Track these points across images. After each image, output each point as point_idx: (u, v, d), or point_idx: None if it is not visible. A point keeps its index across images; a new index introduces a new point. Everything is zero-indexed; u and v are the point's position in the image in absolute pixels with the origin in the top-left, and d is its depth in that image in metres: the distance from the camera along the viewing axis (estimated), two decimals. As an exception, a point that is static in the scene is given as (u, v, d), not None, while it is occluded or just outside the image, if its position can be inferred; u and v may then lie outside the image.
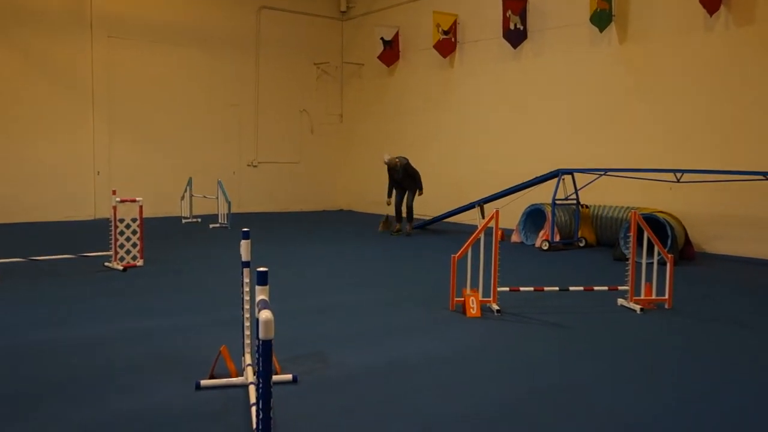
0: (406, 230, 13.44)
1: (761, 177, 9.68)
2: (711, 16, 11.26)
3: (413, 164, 13.37)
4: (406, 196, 13.36)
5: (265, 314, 2.53)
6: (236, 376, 4.47)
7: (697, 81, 11.59)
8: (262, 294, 2.90)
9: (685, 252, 10.58)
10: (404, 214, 13.42)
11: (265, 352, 2.55)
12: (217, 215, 14.55)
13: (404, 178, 13.22)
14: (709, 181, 10.62)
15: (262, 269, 2.96)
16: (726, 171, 10.27)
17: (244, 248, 4.32)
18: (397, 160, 13.15)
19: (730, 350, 5.54)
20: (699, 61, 11.56)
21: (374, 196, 18.48)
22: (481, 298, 6.69)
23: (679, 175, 10.60)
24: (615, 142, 12.76)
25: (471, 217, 13.50)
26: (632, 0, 12.48)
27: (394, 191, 13.44)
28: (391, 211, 13.91)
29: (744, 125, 11.03)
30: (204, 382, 4.39)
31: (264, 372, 2.57)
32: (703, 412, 4.13)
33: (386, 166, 13.27)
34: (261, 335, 2.52)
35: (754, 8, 10.88)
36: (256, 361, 3.35)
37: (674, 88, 11.89)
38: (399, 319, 6.47)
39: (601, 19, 12.54)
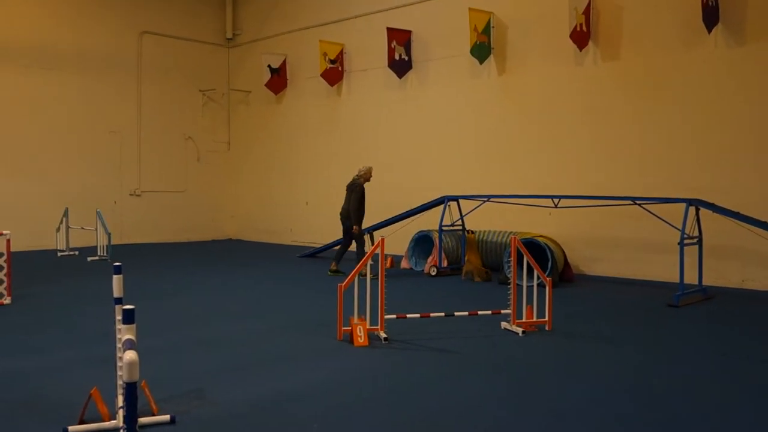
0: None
1: (630, 202, 10.31)
2: (581, 51, 11.98)
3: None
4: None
5: (129, 355, 2.40)
6: (108, 420, 4.21)
7: (571, 112, 12.24)
8: (128, 333, 2.75)
9: (564, 274, 11.06)
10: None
11: (130, 395, 2.41)
12: (96, 247, 13.82)
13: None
14: (584, 206, 11.19)
15: (128, 307, 2.81)
16: (599, 196, 10.84)
17: (116, 283, 4.11)
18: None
19: (601, 368, 5.80)
20: (572, 93, 12.23)
21: (264, 225, 18.23)
22: (368, 327, 6.68)
23: (556, 200, 11.10)
24: (498, 168, 13.23)
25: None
26: (509, 34, 13.08)
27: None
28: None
29: (615, 153, 11.73)
30: (72, 428, 4.10)
31: (129, 418, 2.43)
32: (575, 429, 4.29)
33: (362, 184, 11.81)
34: (125, 378, 2.39)
35: (620, 47, 11.67)
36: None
37: (550, 117, 12.51)
38: (286, 350, 6.34)
39: (481, 51, 13.05)
